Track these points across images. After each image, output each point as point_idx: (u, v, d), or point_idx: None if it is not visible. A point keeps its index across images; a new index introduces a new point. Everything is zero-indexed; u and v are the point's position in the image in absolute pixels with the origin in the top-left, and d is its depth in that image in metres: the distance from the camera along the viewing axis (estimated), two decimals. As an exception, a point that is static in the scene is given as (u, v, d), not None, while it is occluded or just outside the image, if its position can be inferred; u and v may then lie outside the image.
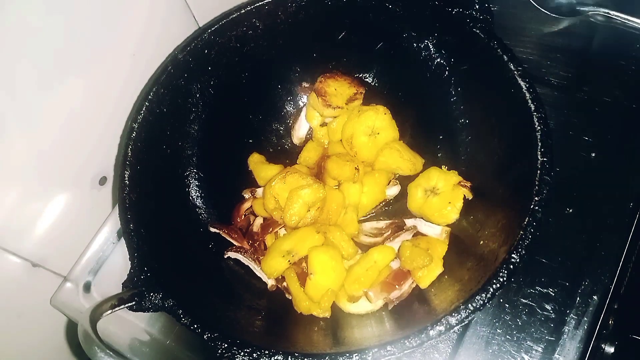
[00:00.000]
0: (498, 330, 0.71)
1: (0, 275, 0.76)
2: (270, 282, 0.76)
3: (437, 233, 0.75)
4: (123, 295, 0.60)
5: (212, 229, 0.80)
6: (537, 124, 0.63)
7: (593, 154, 0.80)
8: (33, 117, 0.71)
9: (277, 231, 0.79)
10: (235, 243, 0.79)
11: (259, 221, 0.81)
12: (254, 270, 0.77)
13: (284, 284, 0.75)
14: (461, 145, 0.79)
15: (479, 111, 0.76)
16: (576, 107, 0.84)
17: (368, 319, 0.71)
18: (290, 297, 0.74)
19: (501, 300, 0.72)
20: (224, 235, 0.79)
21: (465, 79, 0.77)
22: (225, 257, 0.78)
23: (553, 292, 0.71)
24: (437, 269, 0.70)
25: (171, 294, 0.61)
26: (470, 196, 0.73)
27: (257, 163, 0.86)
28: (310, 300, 0.71)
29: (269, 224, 0.79)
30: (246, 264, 0.78)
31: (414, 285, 0.71)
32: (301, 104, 0.92)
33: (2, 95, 0.66)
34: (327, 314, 0.71)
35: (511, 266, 0.56)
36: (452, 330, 0.55)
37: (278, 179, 0.77)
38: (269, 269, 0.74)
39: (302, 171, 0.80)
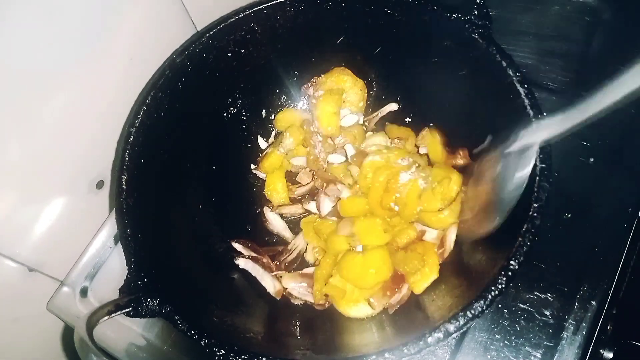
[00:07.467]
0: (496, 336, 0.70)
1: (-4, 280, 0.76)
2: (277, 288, 0.76)
3: (433, 237, 0.75)
4: (120, 302, 0.60)
5: (235, 245, 0.81)
6: (535, 129, 0.62)
7: (592, 159, 0.79)
8: (29, 121, 0.71)
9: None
10: (251, 254, 0.80)
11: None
12: (260, 281, 0.77)
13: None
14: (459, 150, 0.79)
15: (478, 117, 0.76)
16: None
17: (368, 323, 0.71)
18: (295, 303, 0.75)
19: (499, 306, 0.72)
20: (244, 250, 0.80)
21: (464, 84, 0.77)
22: (236, 262, 0.78)
23: (551, 298, 0.71)
24: (432, 274, 0.70)
25: (168, 300, 0.60)
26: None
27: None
28: (342, 285, 0.71)
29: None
30: (254, 274, 0.78)
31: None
32: (299, 106, 0.92)
33: (-1, 100, 0.65)
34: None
35: (510, 273, 0.56)
36: (450, 337, 0.55)
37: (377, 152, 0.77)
38: (332, 245, 0.75)
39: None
